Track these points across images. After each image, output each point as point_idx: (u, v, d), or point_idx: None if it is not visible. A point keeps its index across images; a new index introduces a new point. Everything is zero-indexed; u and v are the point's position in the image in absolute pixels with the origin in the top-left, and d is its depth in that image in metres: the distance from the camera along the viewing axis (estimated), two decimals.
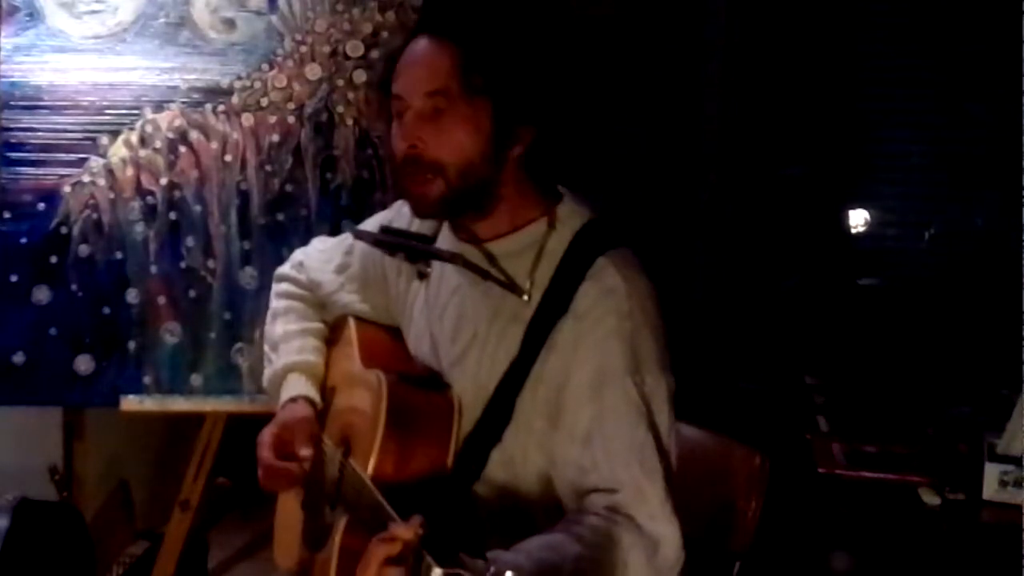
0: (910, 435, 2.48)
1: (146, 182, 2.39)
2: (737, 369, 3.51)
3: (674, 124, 3.66)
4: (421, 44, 1.47)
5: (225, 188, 2.41)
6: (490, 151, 1.45)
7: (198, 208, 2.40)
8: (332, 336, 1.78)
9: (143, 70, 2.39)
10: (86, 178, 2.37)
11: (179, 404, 2.40)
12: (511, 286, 1.46)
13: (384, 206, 1.81)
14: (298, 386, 1.71)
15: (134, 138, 2.38)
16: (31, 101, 2.36)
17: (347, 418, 1.62)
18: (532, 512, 1.47)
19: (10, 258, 2.34)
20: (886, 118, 3.67)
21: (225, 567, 3.13)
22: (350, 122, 2.43)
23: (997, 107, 3.33)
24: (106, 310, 2.37)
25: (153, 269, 2.39)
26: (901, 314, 3.33)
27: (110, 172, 2.37)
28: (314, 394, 1.71)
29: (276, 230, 2.41)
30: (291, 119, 2.42)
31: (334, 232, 2.13)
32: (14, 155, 2.35)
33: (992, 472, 2.12)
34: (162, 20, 2.39)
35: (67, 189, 2.36)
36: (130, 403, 2.38)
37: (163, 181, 2.39)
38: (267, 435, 1.66)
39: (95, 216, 2.37)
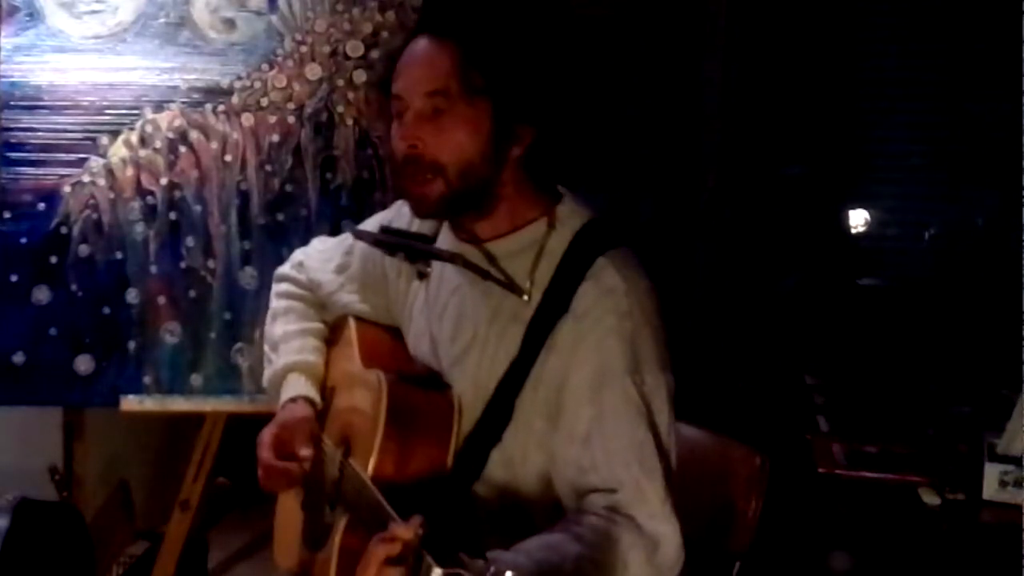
0: (910, 435, 2.47)
1: (146, 182, 2.39)
2: (737, 369, 3.51)
3: (674, 124, 3.66)
4: (421, 44, 1.47)
5: (225, 188, 2.41)
6: (490, 151, 1.45)
7: (198, 208, 2.40)
8: (332, 336, 1.78)
9: (143, 70, 2.39)
10: (86, 178, 2.37)
11: (179, 404, 2.40)
12: (511, 286, 1.46)
13: (384, 206, 1.81)
14: (298, 386, 1.71)
15: (134, 138, 2.38)
16: (31, 101, 2.36)
17: (347, 418, 1.62)
18: (532, 512, 1.47)
19: (10, 258, 2.34)
20: (886, 118, 3.68)
21: (225, 567, 3.13)
22: (350, 122, 2.43)
23: (997, 107, 3.33)
24: (106, 310, 2.37)
25: (153, 269, 2.39)
26: (901, 314, 3.33)
27: (110, 172, 2.37)
28: (314, 394, 1.71)
29: (276, 230, 2.41)
30: (291, 119, 2.42)
31: (334, 232, 2.13)
32: (14, 155, 2.35)
33: (992, 472, 2.12)
34: (162, 20, 2.39)
35: (67, 189, 2.36)
36: (130, 403, 2.38)
37: (163, 181, 2.39)
38: (267, 435, 1.66)
39: (95, 216, 2.37)
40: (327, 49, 2.43)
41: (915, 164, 3.70)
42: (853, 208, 3.63)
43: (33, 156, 2.36)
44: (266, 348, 1.79)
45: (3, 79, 2.35)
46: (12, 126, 2.35)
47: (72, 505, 2.49)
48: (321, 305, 1.79)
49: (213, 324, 2.40)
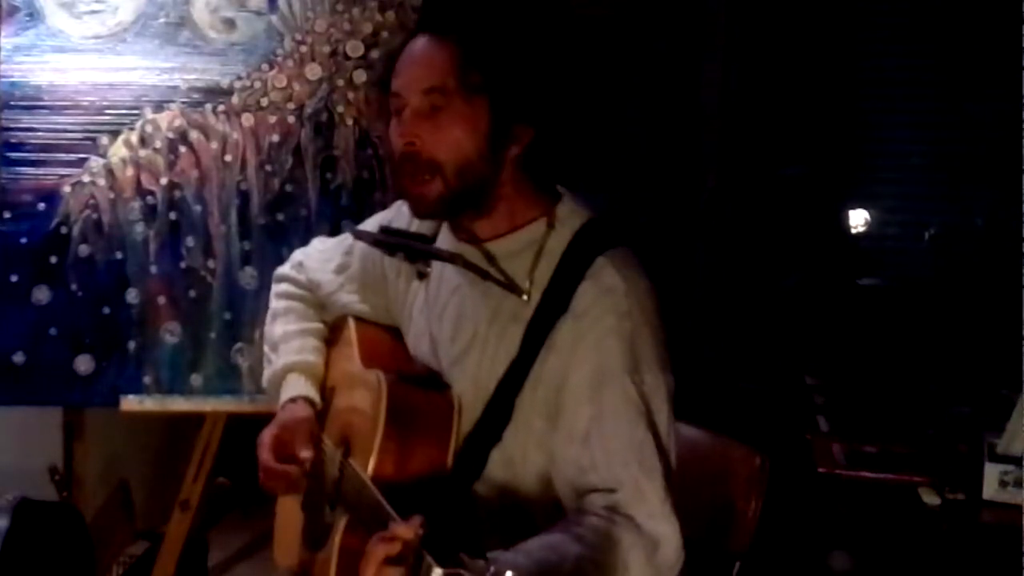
0: (910, 435, 2.47)
1: (146, 182, 2.39)
2: (737, 369, 3.51)
3: (674, 124, 3.66)
4: (420, 42, 1.47)
5: (225, 188, 2.41)
6: (488, 150, 1.45)
7: (198, 208, 2.40)
8: (332, 336, 1.78)
9: (143, 70, 2.39)
10: (86, 178, 2.37)
11: (179, 404, 2.40)
12: (510, 286, 1.46)
13: (384, 206, 1.81)
14: (298, 386, 1.71)
15: (134, 138, 2.38)
16: (31, 101, 2.35)
17: (347, 418, 1.62)
18: (532, 512, 1.47)
19: (10, 258, 2.34)
20: (886, 118, 3.68)
21: (225, 567, 3.13)
22: (350, 122, 2.43)
23: (997, 107, 3.33)
24: (106, 310, 2.37)
25: (153, 269, 2.39)
26: (901, 314, 3.33)
27: (110, 172, 2.37)
28: (314, 394, 1.71)
29: (276, 230, 2.41)
30: (291, 119, 2.42)
31: (334, 232, 2.13)
32: (14, 155, 2.35)
33: (992, 472, 2.12)
34: (162, 20, 2.39)
35: (67, 189, 2.36)
36: (130, 403, 2.38)
37: (163, 181, 2.39)
38: (267, 436, 1.66)
39: (95, 216, 2.37)
40: (327, 49, 2.42)
41: (915, 164, 3.70)
42: (853, 208, 3.63)
43: (33, 156, 2.35)
44: (266, 348, 1.79)
45: (3, 79, 2.34)
46: (12, 126, 2.35)
47: (72, 505, 2.49)
48: (321, 305, 1.79)
49: (213, 324, 2.40)
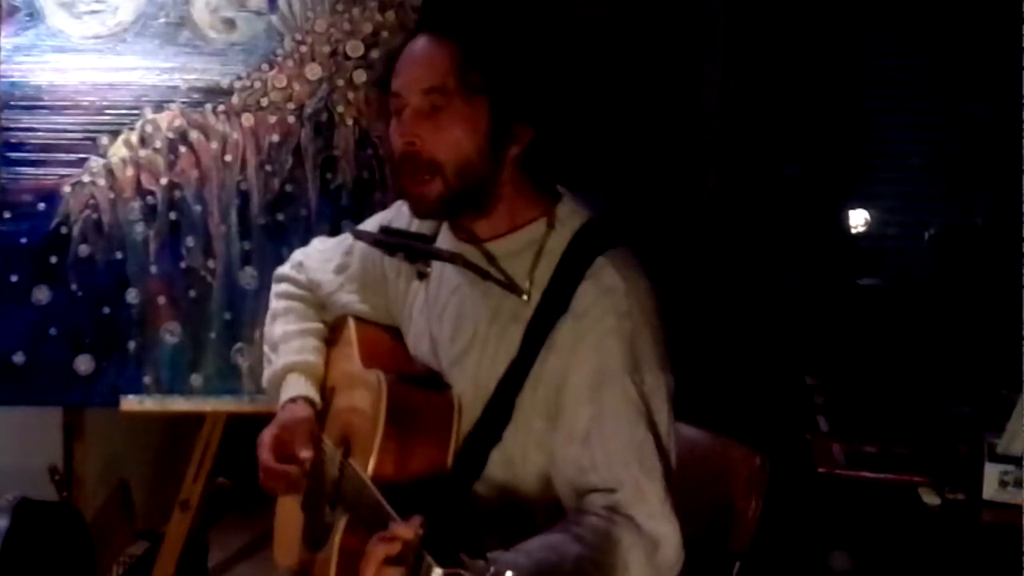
0: (910, 435, 2.47)
1: (146, 182, 2.39)
2: (737, 369, 3.51)
3: (674, 124, 3.66)
4: (420, 42, 1.47)
5: (225, 188, 2.41)
6: (488, 150, 1.45)
7: (198, 208, 2.40)
8: (332, 336, 1.78)
9: (143, 70, 2.39)
10: (86, 178, 2.37)
11: (179, 404, 2.40)
12: (510, 286, 1.46)
13: (384, 206, 1.81)
14: (298, 386, 1.71)
15: (134, 138, 2.38)
16: (31, 101, 2.35)
17: (347, 418, 1.62)
18: (532, 512, 1.47)
19: (10, 258, 2.34)
20: (886, 118, 3.68)
21: (225, 567, 3.13)
22: (350, 122, 2.43)
23: (997, 107, 3.33)
24: (106, 310, 2.37)
25: (153, 269, 2.39)
26: (901, 314, 3.33)
27: (110, 172, 2.37)
28: (314, 394, 1.71)
29: (276, 230, 2.41)
30: (291, 119, 2.42)
31: (334, 232, 2.13)
32: (14, 155, 2.35)
33: (992, 472, 2.12)
34: (162, 20, 2.39)
35: (67, 189, 2.36)
36: (130, 403, 2.38)
37: (163, 181, 2.39)
38: (267, 436, 1.66)
39: (95, 216, 2.37)
40: (327, 49, 2.42)
41: (915, 164, 3.70)
42: (853, 208, 3.63)
43: (33, 156, 2.35)
44: (266, 348, 1.79)
45: (3, 79, 2.34)
46: (12, 126, 2.35)
47: (72, 505, 2.49)
48: (321, 305, 1.79)
49: (213, 324, 2.40)
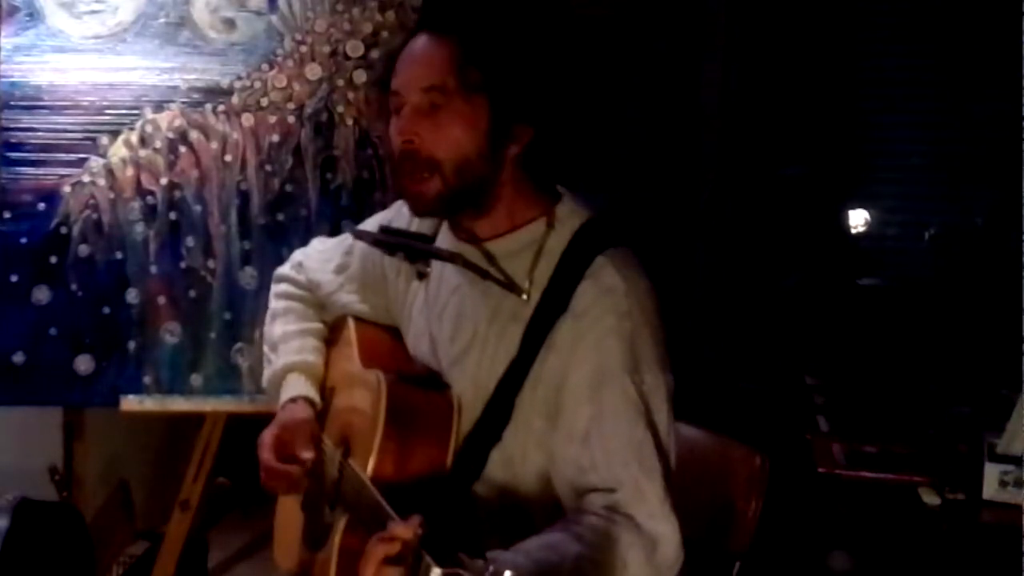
0: (910, 435, 2.47)
1: (146, 182, 2.39)
2: (737, 369, 3.51)
3: (674, 124, 3.66)
4: (420, 41, 1.48)
5: (225, 188, 2.41)
6: (487, 149, 1.45)
7: (198, 208, 2.40)
8: (331, 336, 1.78)
9: (143, 70, 2.39)
10: (86, 178, 2.37)
11: (179, 404, 2.40)
12: (510, 285, 1.46)
13: (384, 206, 1.81)
14: (297, 386, 1.71)
15: (134, 138, 2.38)
16: (31, 101, 2.36)
17: (347, 418, 1.62)
18: (531, 511, 1.47)
19: (10, 258, 2.34)
20: (886, 118, 3.68)
21: (225, 567, 3.13)
22: (350, 122, 2.43)
23: (997, 107, 3.33)
24: (106, 310, 2.37)
25: (153, 269, 2.39)
26: (901, 314, 3.33)
27: (110, 172, 2.37)
28: (314, 394, 1.71)
29: (276, 230, 2.41)
30: (291, 119, 2.42)
31: (334, 232, 2.13)
32: (14, 155, 2.35)
33: (992, 472, 2.12)
34: (162, 20, 2.39)
35: (67, 189, 2.36)
36: (130, 403, 2.38)
37: (163, 181, 2.39)
38: (267, 436, 1.66)
39: (95, 216, 2.37)
40: (327, 49, 2.43)
41: (915, 164, 3.70)
42: (853, 208, 3.63)
43: (33, 156, 2.36)
44: (265, 348, 1.79)
45: (3, 79, 2.35)
46: (12, 126, 2.35)
47: (72, 505, 2.49)
48: (320, 305, 1.79)
49: (213, 324, 2.40)
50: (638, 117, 3.63)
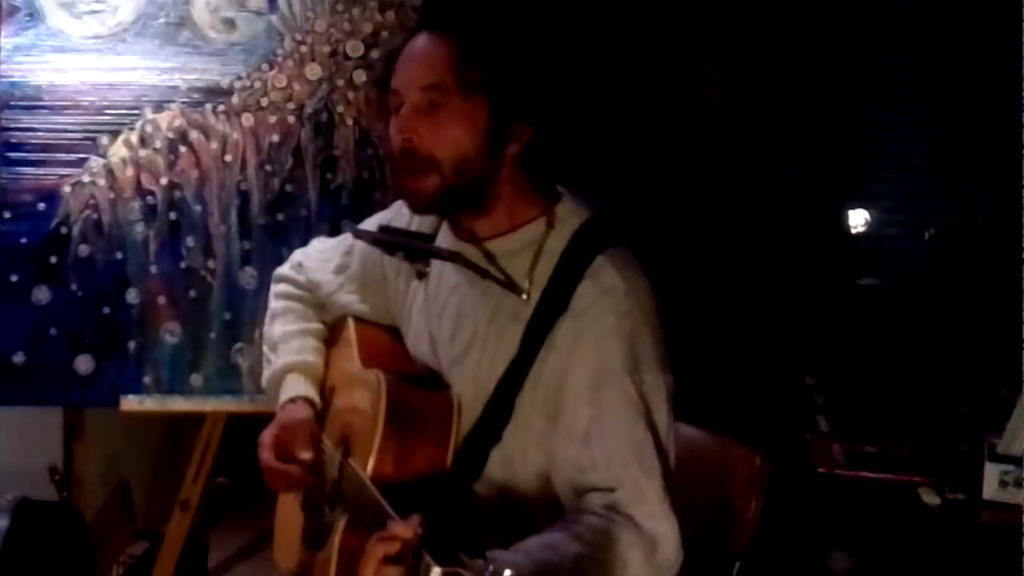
0: (910, 435, 2.47)
1: (146, 182, 2.39)
2: (737, 369, 3.51)
3: (674, 124, 3.66)
4: (420, 40, 1.48)
5: (225, 188, 2.41)
6: (486, 148, 1.45)
7: (198, 208, 2.40)
8: (331, 336, 1.78)
9: (143, 70, 2.39)
10: (86, 178, 2.37)
11: (179, 404, 2.40)
12: (510, 285, 1.46)
13: (384, 206, 1.81)
14: (297, 386, 1.70)
15: (134, 138, 2.38)
16: (31, 101, 2.36)
17: (346, 418, 1.62)
18: (531, 511, 1.47)
19: (10, 258, 2.34)
20: (886, 118, 3.68)
21: (225, 567, 3.13)
22: (350, 122, 2.43)
23: (997, 107, 3.33)
24: (106, 310, 2.37)
25: (153, 269, 2.39)
26: (901, 314, 3.33)
27: (110, 172, 2.37)
28: (313, 394, 1.71)
29: (276, 230, 2.41)
30: (291, 119, 2.42)
31: (334, 232, 2.13)
32: (14, 155, 2.35)
33: (992, 472, 2.12)
34: (162, 20, 2.39)
35: (67, 189, 2.36)
36: (130, 403, 2.38)
37: (163, 181, 2.39)
38: (267, 436, 1.66)
39: (95, 216, 2.37)
40: (327, 49, 2.43)
41: (915, 164, 3.70)
42: (853, 208, 3.63)
43: (33, 156, 2.36)
44: (265, 349, 1.79)
45: (3, 79, 2.35)
46: (12, 126, 2.35)
47: (72, 505, 2.49)
48: (320, 305, 1.79)
49: (213, 324, 2.40)
50: (638, 117, 3.63)
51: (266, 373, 1.76)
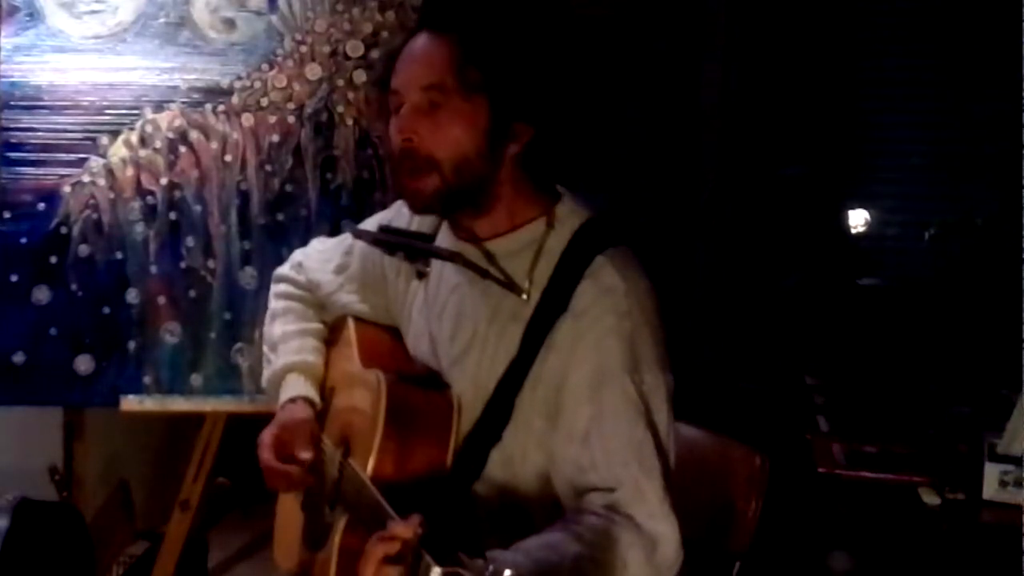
0: (910, 435, 2.47)
1: (146, 182, 2.39)
2: (737, 369, 3.51)
3: (674, 124, 3.66)
4: (420, 40, 1.48)
5: (225, 188, 2.41)
6: (486, 148, 1.45)
7: (198, 208, 2.40)
8: (331, 336, 1.78)
9: (143, 70, 2.39)
10: (86, 178, 2.37)
11: (179, 404, 2.40)
12: (510, 285, 1.46)
13: (384, 206, 1.81)
14: (297, 386, 1.70)
15: (134, 138, 2.38)
16: (31, 101, 2.36)
17: (346, 418, 1.62)
18: (531, 511, 1.47)
19: (10, 258, 2.34)
20: (886, 118, 3.68)
21: (225, 567, 3.13)
22: (350, 122, 2.43)
23: (997, 107, 3.33)
24: (106, 310, 2.37)
25: (153, 269, 2.39)
26: (901, 314, 3.33)
27: (110, 172, 2.38)
28: (313, 394, 1.71)
29: (276, 230, 2.41)
30: (291, 119, 2.42)
31: (334, 232, 2.12)
32: (14, 155, 2.35)
33: (992, 472, 2.12)
34: (162, 20, 2.39)
35: (67, 189, 2.36)
36: (130, 403, 2.38)
37: (163, 181, 2.39)
38: (267, 436, 1.66)
39: (95, 216, 2.37)
40: (327, 49, 2.43)
41: (915, 164, 3.70)
42: (853, 208, 3.63)
43: (33, 156, 2.36)
44: (265, 349, 1.79)
45: (3, 79, 2.35)
46: (12, 126, 2.35)
47: (72, 505, 2.49)
48: (320, 305, 1.79)
49: (213, 324, 2.40)
50: (638, 117, 3.63)
51: (266, 373, 1.76)
